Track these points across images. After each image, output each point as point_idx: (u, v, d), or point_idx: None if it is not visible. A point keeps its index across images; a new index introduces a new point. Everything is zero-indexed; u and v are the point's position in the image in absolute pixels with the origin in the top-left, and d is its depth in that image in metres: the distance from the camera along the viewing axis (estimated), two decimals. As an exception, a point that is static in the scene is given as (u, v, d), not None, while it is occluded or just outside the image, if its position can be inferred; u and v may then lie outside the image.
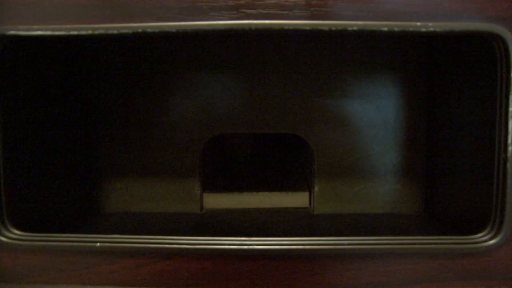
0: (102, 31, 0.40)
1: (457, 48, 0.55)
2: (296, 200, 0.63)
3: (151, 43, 0.63)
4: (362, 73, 0.63)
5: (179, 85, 0.63)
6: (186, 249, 0.42)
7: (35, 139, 0.49)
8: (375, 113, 0.63)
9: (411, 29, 0.40)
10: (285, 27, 0.39)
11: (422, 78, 0.63)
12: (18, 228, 0.44)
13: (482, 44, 0.44)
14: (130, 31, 0.40)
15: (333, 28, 0.39)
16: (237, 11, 0.40)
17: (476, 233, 0.43)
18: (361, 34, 0.40)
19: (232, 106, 0.64)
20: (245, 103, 0.64)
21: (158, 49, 0.63)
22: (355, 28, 0.39)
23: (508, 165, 0.41)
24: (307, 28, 0.39)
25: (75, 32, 0.40)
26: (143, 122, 0.64)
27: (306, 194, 0.64)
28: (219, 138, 0.65)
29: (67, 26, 0.40)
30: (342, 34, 0.42)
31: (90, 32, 0.40)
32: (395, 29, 0.40)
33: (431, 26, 0.40)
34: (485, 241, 0.42)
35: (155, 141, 0.64)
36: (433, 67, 0.62)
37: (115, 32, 0.40)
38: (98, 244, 0.43)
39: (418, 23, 0.40)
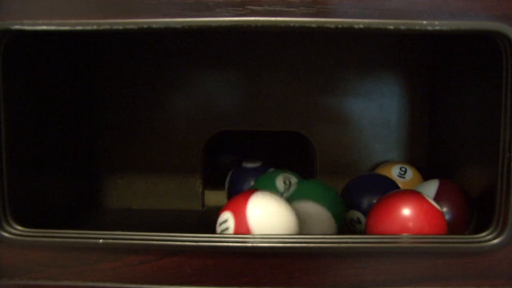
0: (107, 27, 0.40)
1: (460, 47, 0.55)
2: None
3: (153, 40, 0.63)
4: (365, 71, 0.63)
5: (181, 82, 0.63)
6: (190, 246, 0.42)
7: (37, 134, 0.49)
8: (378, 112, 0.63)
9: (417, 27, 0.40)
10: (291, 24, 0.39)
11: (425, 76, 0.64)
12: (20, 224, 0.44)
13: (487, 43, 0.44)
14: (135, 27, 0.40)
15: (340, 26, 0.39)
16: (243, 8, 0.40)
17: (480, 232, 0.43)
18: (367, 32, 0.40)
19: (234, 103, 0.64)
20: (247, 101, 0.64)
21: (160, 46, 0.63)
22: (361, 26, 0.39)
23: (513, 164, 0.41)
24: (314, 25, 0.39)
25: (80, 27, 0.40)
26: (145, 118, 0.63)
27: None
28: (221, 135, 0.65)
29: (72, 21, 0.40)
30: (347, 32, 0.42)
31: (95, 27, 0.40)
32: (402, 27, 0.40)
33: (437, 24, 0.40)
34: (489, 240, 0.42)
35: (157, 138, 0.64)
36: (436, 66, 0.62)
37: (120, 27, 0.40)
38: (101, 240, 0.42)
39: (424, 22, 0.40)
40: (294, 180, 0.55)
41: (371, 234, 0.46)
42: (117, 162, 0.64)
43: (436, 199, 0.49)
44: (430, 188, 0.51)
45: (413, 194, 0.46)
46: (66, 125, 0.56)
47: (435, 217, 0.44)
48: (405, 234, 0.45)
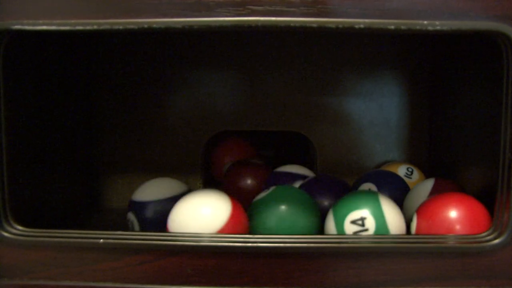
0: (107, 27, 0.40)
1: (461, 47, 0.55)
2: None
3: (154, 40, 0.63)
4: (366, 71, 0.63)
5: (181, 82, 0.63)
6: (190, 246, 0.42)
7: (38, 134, 0.49)
8: (378, 112, 0.63)
9: (418, 27, 0.40)
10: (292, 24, 0.39)
11: (425, 76, 0.64)
12: (20, 223, 0.44)
13: (487, 43, 0.44)
14: (136, 27, 0.40)
15: (340, 26, 0.39)
16: (243, 8, 0.40)
17: (480, 232, 0.43)
18: (367, 32, 0.40)
19: (234, 103, 0.64)
20: (247, 101, 0.64)
21: (160, 46, 0.63)
22: (362, 26, 0.39)
23: (513, 164, 0.41)
24: (314, 25, 0.39)
25: (80, 27, 0.40)
26: (145, 118, 0.63)
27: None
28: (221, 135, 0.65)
29: (73, 21, 0.40)
30: (348, 32, 0.42)
31: (95, 27, 0.40)
32: (402, 27, 0.40)
33: (438, 24, 0.40)
34: (489, 240, 0.42)
35: (157, 138, 0.64)
36: (436, 66, 0.62)
37: (121, 27, 0.40)
38: (101, 240, 0.43)
39: (425, 22, 0.40)
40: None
41: (370, 234, 0.45)
42: (117, 162, 0.64)
43: (430, 196, 0.50)
44: (426, 186, 0.51)
45: (462, 196, 0.46)
46: (66, 125, 0.56)
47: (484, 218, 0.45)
48: (404, 234, 0.45)
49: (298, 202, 0.48)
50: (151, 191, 0.52)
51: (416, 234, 0.46)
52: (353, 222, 0.45)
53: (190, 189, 0.53)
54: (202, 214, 0.45)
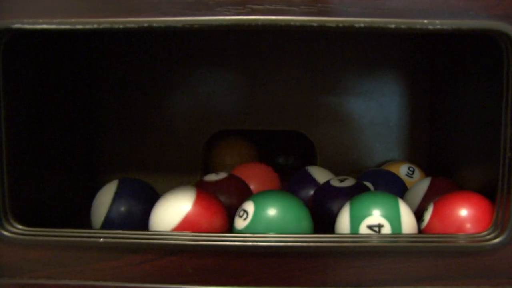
0: (107, 25, 0.40)
1: (461, 46, 0.55)
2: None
3: (154, 39, 0.63)
4: (366, 71, 0.63)
5: (182, 81, 0.63)
6: (190, 245, 0.42)
7: (38, 133, 0.49)
8: (378, 111, 0.63)
9: (418, 26, 0.40)
10: (292, 23, 0.39)
11: (425, 76, 0.64)
12: (20, 223, 0.44)
13: (488, 42, 0.44)
14: (136, 26, 0.40)
15: (340, 25, 0.39)
16: (243, 7, 0.40)
17: (480, 231, 0.43)
18: (367, 31, 0.40)
19: (234, 103, 0.64)
20: (247, 101, 0.64)
21: (160, 46, 0.63)
22: (362, 25, 0.39)
23: (513, 163, 0.41)
24: (314, 24, 0.39)
25: (80, 26, 0.40)
26: (145, 118, 0.64)
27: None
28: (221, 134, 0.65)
29: (72, 20, 0.40)
30: (348, 31, 0.42)
31: (95, 26, 0.40)
32: (402, 26, 0.40)
33: (438, 23, 0.40)
34: (489, 239, 0.42)
35: (157, 138, 0.64)
36: (436, 65, 0.62)
37: (121, 26, 0.40)
38: (101, 239, 0.43)
39: (425, 21, 0.40)
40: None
41: (370, 234, 0.45)
42: (117, 162, 0.64)
43: (427, 195, 0.50)
44: (422, 186, 0.51)
45: (471, 194, 0.46)
46: (66, 124, 0.56)
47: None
48: (404, 234, 0.45)
49: (284, 216, 0.46)
50: (96, 213, 0.51)
51: (420, 233, 0.46)
52: (370, 227, 0.45)
53: (123, 178, 0.52)
54: (161, 211, 0.46)
